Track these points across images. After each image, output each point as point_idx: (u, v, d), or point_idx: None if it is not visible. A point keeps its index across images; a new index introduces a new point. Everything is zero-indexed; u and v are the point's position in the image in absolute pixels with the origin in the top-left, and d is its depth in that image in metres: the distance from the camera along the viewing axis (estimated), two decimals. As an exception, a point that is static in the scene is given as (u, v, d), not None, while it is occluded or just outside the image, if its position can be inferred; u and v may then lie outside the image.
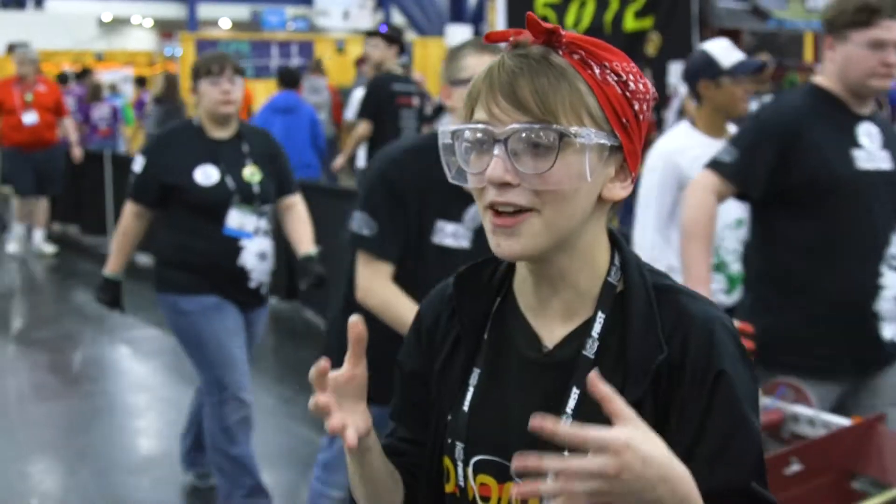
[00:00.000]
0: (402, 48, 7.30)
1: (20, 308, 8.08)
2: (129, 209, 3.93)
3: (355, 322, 1.21)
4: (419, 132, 6.95)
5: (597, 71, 1.16)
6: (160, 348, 6.82)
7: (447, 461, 1.31)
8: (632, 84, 1.18)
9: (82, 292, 8.73)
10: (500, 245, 1.18)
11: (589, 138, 1.14)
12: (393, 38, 6.94)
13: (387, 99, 6.84)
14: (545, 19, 7.68)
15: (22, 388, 5.89)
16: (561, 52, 1.17)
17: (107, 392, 5.97)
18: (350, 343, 1.23)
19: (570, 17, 9.25)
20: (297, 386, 5.88)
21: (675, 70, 9.16)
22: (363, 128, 6.94)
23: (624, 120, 1.17)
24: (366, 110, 6.96)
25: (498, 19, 8.82)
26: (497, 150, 1.14)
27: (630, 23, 9.18)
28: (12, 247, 9.94)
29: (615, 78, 1.17)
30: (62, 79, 14.29)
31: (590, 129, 1.14)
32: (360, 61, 12.89)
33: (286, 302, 7.57)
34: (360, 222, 2.97)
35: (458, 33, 17.43)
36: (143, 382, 6.12)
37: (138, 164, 3.91)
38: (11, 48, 22.10)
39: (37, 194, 9.82)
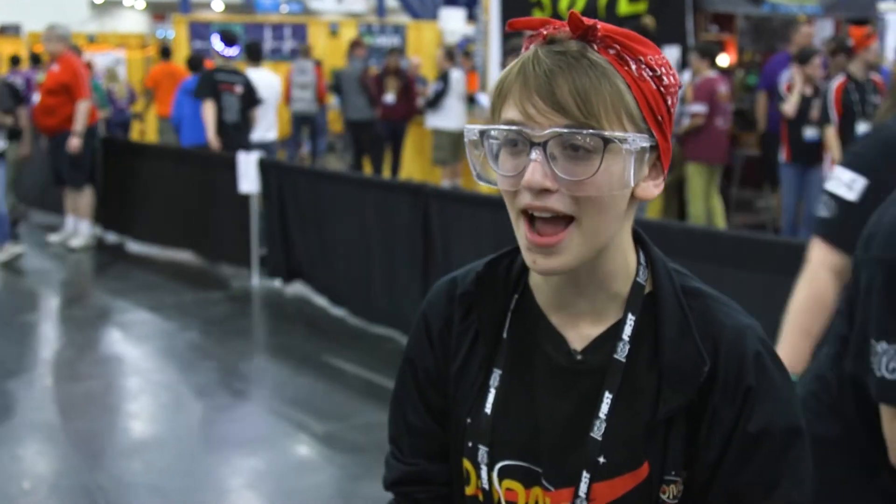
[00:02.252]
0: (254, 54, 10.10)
1: (12, 293, 8.06)
2: (822, 258, 2.36)
3: None
4: (242, 113, 8.94)
5: (633, 67, 1.10)
6: (152, 332, 6.82)
7: (467, 464, 1.27)
8: (665, 78, 1.12)
9: (74, 275, 8.72)
10: (537, 262, 1.13)
11: (634, 143, 1.08)
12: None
13: (212, 85, 8.84)
14: (539, 3, 7.68)
15: (14, 371, 5.89)
16: (596, 47, 1.10)
17: (99, 375, 5.97)
18: None
19: (563, 1, 9.24)
20: (289, 369, 5.89)
21: (669, 55, 9.17)
22: (209, 108, 8.90)
23: (659, 117, 1.12)
24: (202, 95, 8.93)
25: (491, 4, 8.79)
26: (535, 154, 1.08)
27: (624, 7, 9.18)
28: (76, 241, 9.29)
29: (650, 73, 1.11)
30: (14, 61, 14.35)
31: (634, 133, 1.09)
32: (354, 44, 12.90)
33: (281, 284, 7.57)
34: None
35: (452, 17, 17.38)
36: (136, 366, 6.11)
37: (852, 188, 2.26)
38: (2, 30, 21.97)
39: (56, 184, 9.34)
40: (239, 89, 8.94)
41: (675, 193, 8.94)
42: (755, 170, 10.01)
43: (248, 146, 8.79)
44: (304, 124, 14.32)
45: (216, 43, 9.31)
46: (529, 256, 1.13)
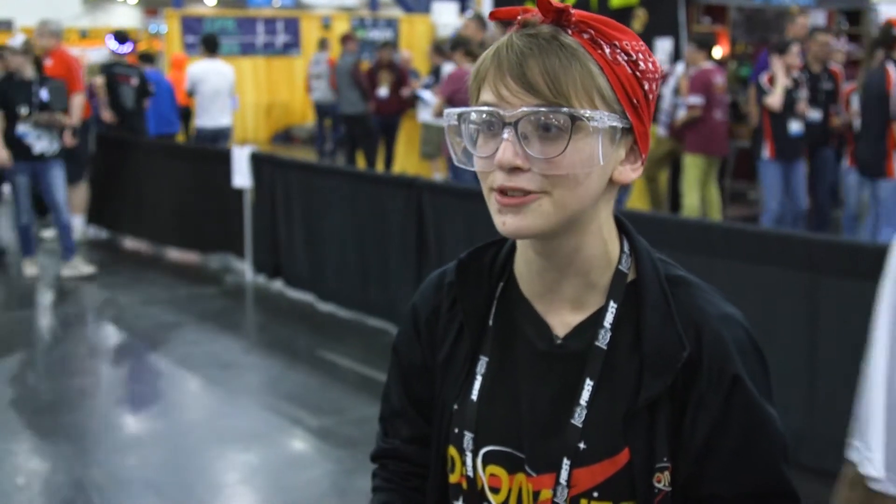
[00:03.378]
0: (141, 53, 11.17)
1: (4, 289, 8.05)
2: None
3: None
4: (137, 102, 9.94)
5: (607, 50, 1.12)
6: (146, 327, 6.81)
7: (452, 450, 1.29)
8: (641, 63, 1.14)
9: (60, 270, 8.70)
10: (507, 223, 1.13)
11: (602, 121, 1.10)
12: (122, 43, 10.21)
13: (111, 77, 9.86)
14: (531, -4, 7.48)
15: (7, 366, 5.88)
16: (570, 32, 1.12)
17: (92, 371, 5.97)
18: None
19: (556, -6, 9.22)
20: (283, 364, 5.88)
21: (662, 47, 9.16)
22: (101, 88, 9.89)
23: (634, 101, 1.14)
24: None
25: (484, -4, 8.77)
26: (506, 134, 1.10)
27: (616, -1, 9.17)
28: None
29: (625, 57, 1.13)
30: None
31: (602, 111, 1.11)
32: (346, 38, 12.88)
33: (272, 280, 7.56)
34: None
35: (445, 11, 17.35)
36: (129, 361, 6.11)
37: None
38: (-6, 25, 21.85)
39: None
40: (134, 81, 9.97)
41: (669, 184, 8.94)
42: (748, 162, 10.02)
43: (143, 129, 10.22)
44: (325, 116, 14.41)
45: (111, 42, 10.47)
46: (499, 219, 1.15)
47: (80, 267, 8.11)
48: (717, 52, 8.87)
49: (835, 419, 4.08)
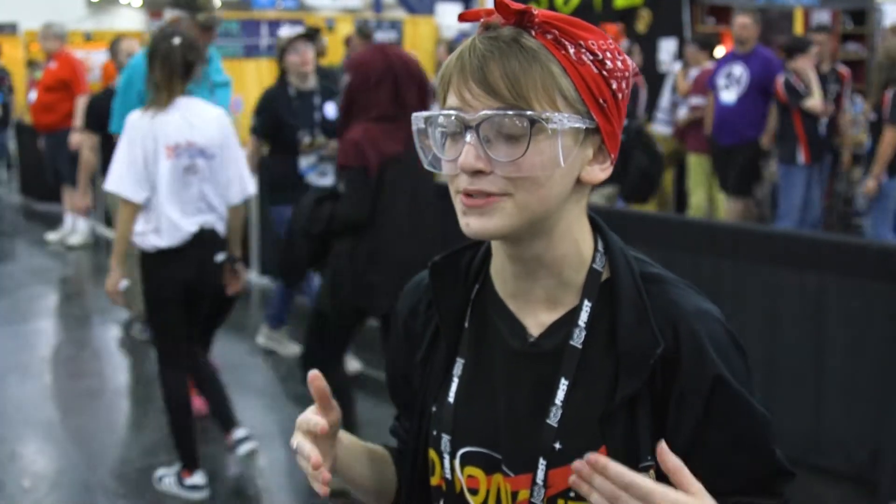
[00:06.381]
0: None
1: (11, 291, 8.05)
2: None
3: (314, 377, 1.23)
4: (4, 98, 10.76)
5: (571, 51, 1.12)
6: (151, 329, 6.81)
7: (432, 453, 1.30)
8: (608, 62, 1.13)
9: (72, 273, 8.71)
10: (470, 224, 1.14)
11: (561, 123, 1.10)
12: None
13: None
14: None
15: (14, 368, 5.88)
16: (534, 33, 1.12)
17: (98, 373, 5.97)
18: (315, 398, 1.27)
19: (559, -4, 9.23)
20: (288, 366, 5.88)
21: (666, 47, 9.16)
22: None
23: (601, 100, 1.13)
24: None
25: (487, -3, 8.79)
26: (469, 137, 1.11)
27: (620, 0, 9.17)
28: (74, 238, 9.29)
29: (591, 57, 1.12)
30: None
31: (562, 113, 1.10)
32: (349, 40, 12.91)
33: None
34: None
35: (449, 12, 17.38)
36: (135, 363, 6.11)
37: None
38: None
39: (54, 181, 9.34)
40: (8, 81, 11.41)
41: (674, 184, 8.92)
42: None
43: (7, 123, 11.84)
44: None
45: None
46: (463, 220, 1.15)
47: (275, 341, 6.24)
48: (720, 52, 8.84)
49: (841, 420, 4.07)
